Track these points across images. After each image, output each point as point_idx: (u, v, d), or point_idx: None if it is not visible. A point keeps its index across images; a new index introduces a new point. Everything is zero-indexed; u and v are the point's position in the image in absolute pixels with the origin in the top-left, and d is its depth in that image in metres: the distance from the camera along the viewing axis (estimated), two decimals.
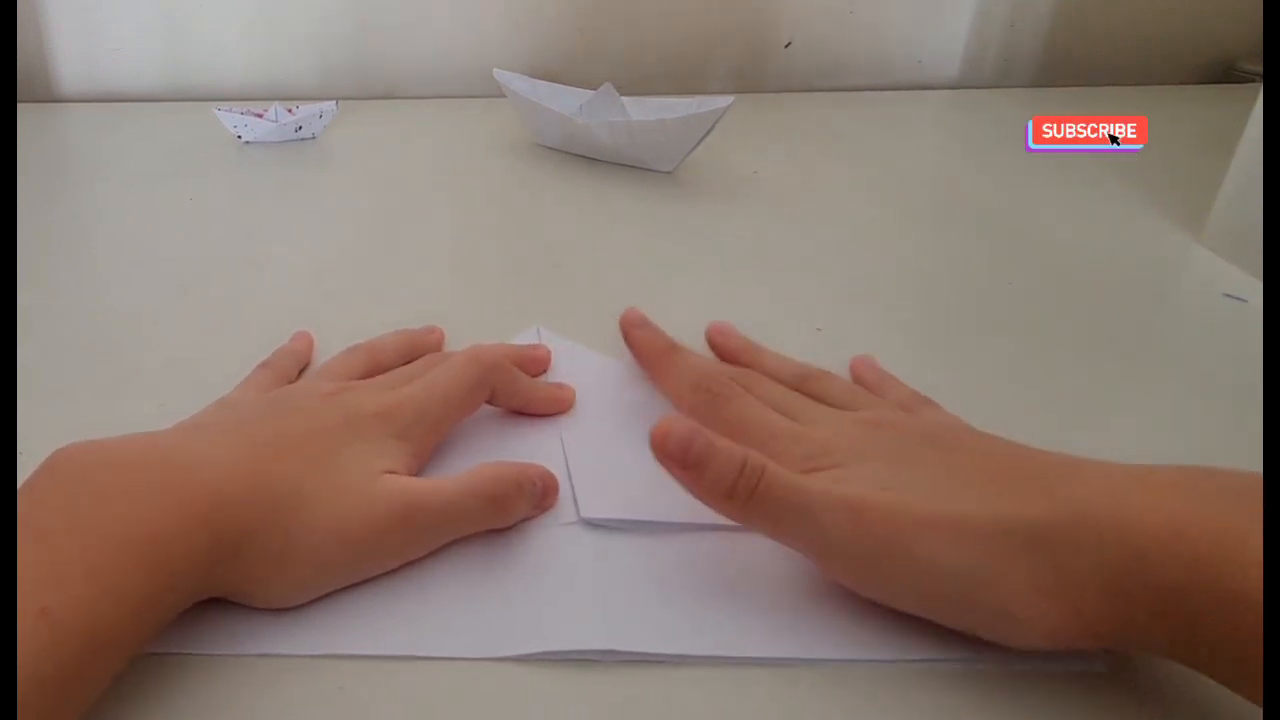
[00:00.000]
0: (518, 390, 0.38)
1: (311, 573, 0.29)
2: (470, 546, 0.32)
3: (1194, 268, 0.56)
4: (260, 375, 0.39)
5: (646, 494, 0.34)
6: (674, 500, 0.33)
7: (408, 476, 0.32)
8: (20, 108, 0.75)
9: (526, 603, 0.30)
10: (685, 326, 0.47)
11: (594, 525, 0.33)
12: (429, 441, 0.34)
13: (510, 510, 0.32)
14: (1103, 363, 0.46)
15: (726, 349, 0.42)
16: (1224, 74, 0.96)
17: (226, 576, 0.28)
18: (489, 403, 0.37)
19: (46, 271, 0.51)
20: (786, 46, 0.88)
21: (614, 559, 0.32)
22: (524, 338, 0.44)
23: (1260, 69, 0.91)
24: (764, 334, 0.47)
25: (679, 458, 0.28)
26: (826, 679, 0.28)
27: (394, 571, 0.31)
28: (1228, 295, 0.52)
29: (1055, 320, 0.49)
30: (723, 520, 0.32)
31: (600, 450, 0.36)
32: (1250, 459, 0.29)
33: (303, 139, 0.71)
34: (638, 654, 0.28)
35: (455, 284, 0.51)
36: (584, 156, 0.68)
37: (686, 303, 0.50)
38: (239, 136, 0.70)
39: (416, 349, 0.42)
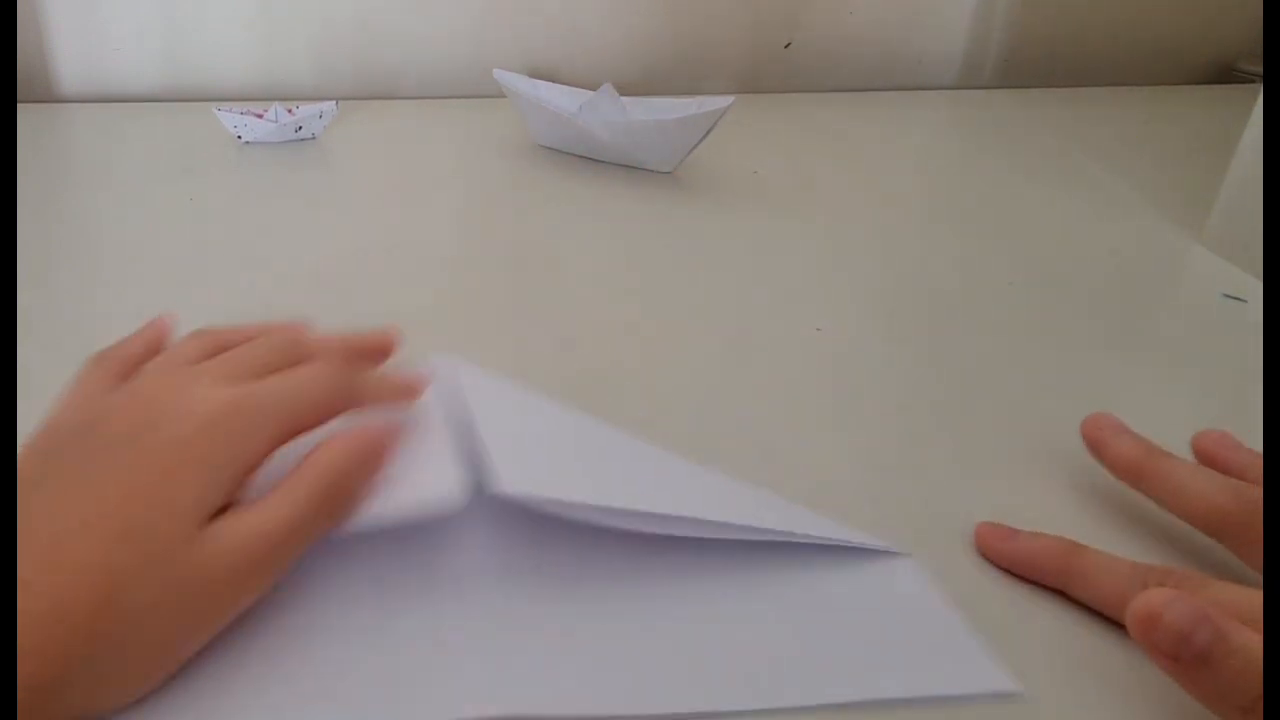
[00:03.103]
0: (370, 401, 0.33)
1: (151, 666, 0.26)
2: (356, 607, 0.29)
3: (1194, 268, 0.56)
4: (94, 373, 0.32)
5: (574, 476, 0.31)
6: (606, 485, 0.31)
7: (233, 516, 0.27)
8: (20, 108, 0.75)
9: (420, 668, 0.27)
10: (686, 326, 0.47)
11: (493, 582, 0.30)
12: (265, 451, 0.29)
13: (356, 498, 0.29)
14: (1102, 363, 0.46)
15: (1227, 463, 0.33)
16: (1224, 74, 0.96)
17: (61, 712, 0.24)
18: None
19: (47, 271, 0.51)
20: (786, 47, 0.88)
21: (515, 620, 0.29)
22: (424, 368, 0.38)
23: (1260, 69, 0.91)
24: (764, 334, 0.47)
25: (1173, 652, 0.24)
26: None
27: (277, 629, 0.28)
28: (1227, 295, 0.52)
29: (1055, 320, 0.49)
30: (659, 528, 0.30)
31: (518, 421, 0.33)
32: None
33: (303, 139, 0.71)
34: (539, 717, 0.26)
35: (455, 284, 0.51)
36: (584, 156, 0.68)
37: (686, 303, 0.50)
38: (239, 136, 0.70)
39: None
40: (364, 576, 0.30)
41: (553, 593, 0.30)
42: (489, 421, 0.32)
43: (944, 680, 0.28)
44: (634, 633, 0.29)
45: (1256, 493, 0.30)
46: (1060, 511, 0.35)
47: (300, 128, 0.70)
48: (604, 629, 0.29)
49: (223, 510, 0.27)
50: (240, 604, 0.27)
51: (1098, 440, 0.35)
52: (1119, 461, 0.35)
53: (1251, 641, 0.23)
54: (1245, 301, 0.52)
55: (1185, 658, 0.23)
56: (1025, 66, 0.92)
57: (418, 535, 0.31)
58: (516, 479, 0.29)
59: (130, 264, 0.53)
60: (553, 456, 0.33)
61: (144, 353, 0.34)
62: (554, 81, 0.71)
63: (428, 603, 0.30)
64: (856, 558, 0.32)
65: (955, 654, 0.29)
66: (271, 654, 0.28)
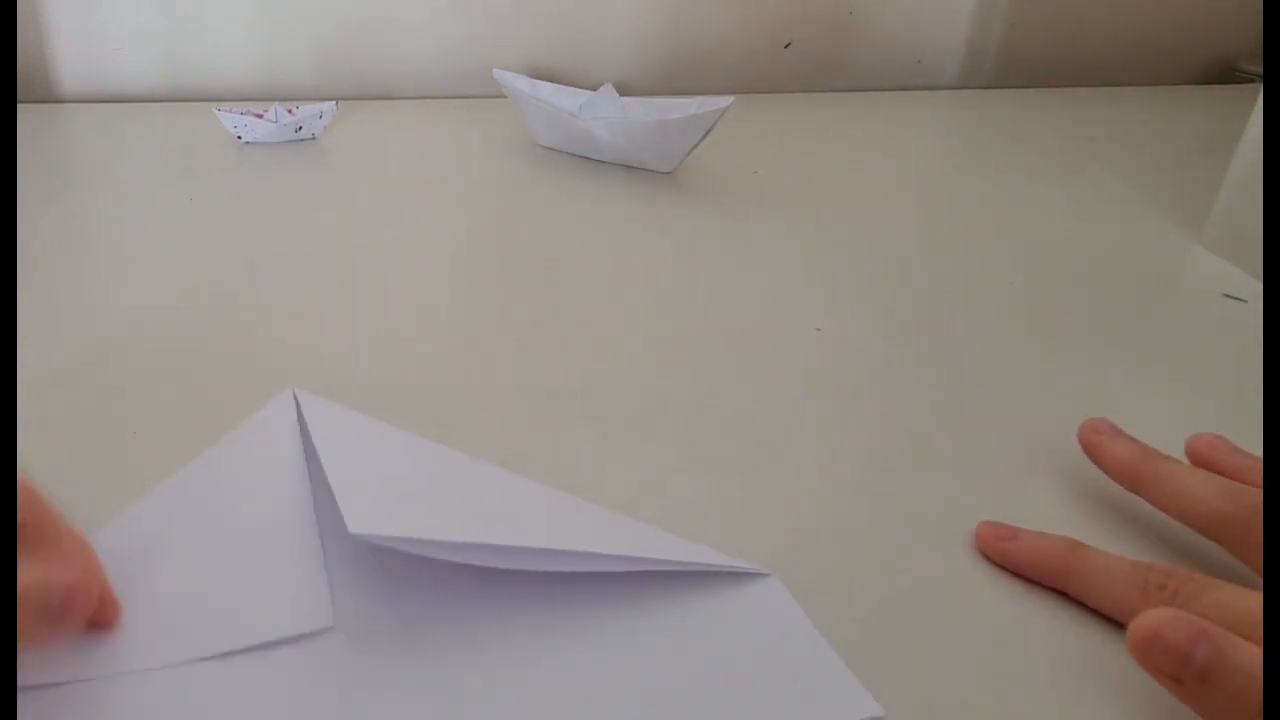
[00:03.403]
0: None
1: None
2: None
3: (1194, 268, 0.56)
4: None
5: (422, 514, 0.30)
6: (457, 520, 0.30)
7: None
8: (20, 108, 0.75)
9: None
10: (685, 326, 0.47)
11: (341, 638, 0.28)
12: None
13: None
14: (1102, 363, 0.46)
15: (1222, 467, 0.33)
16: (1224, 74, 0.96)
17: None
18: None
19: (46, 272, 0.51)
20: (786, 47, 0.88)
21: (360, 674, 0.27)
22: (277, 403, 0.36)
23: (1260, 69, 0.91)
24: (764, 334, 0.47)
25: (1174, 673, 0.23)
26: None
27: None
28: (1227, 295, 0.52)
29: (1055, 320, 0.49)
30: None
31: (366, 459, 0.32)
32: None
33: (303, 139, 0.71)
34: None
35: (454, 284, 0.51)
36: (584, 156, 0.68)
37: (686, 303, 0.50)
38: (239, 137, 0.70)
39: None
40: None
41: (399, 641, 0.28)
42: (335, 462, 0.31)
43: (812, 710, 0.26)
44: (490, 677, 0.27)
45: (1255, 495, 0.30)
46: (1060, 511, 0.35)
47: (300, 128, 0.70)
48: (457, 677, 0.27)
49: None
50: None
51: (1094, 444, 0.35)
52: (1116, 465, 0.35)
53: (1252, 657, 0.23)
54: (1245, 301, 0.52)
55: (1187, 677, 0.23)
56: (1025, 66, 0.92)
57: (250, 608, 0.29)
58: (363, 519, 0.27)
59: (130, 264, 0.53)
60: (402, 494, 0.31)
61: None
62: (554, 81, 0.71)
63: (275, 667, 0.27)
64: (718, 582, 0.31)
65: (821, 680, 0.27)
66: None
